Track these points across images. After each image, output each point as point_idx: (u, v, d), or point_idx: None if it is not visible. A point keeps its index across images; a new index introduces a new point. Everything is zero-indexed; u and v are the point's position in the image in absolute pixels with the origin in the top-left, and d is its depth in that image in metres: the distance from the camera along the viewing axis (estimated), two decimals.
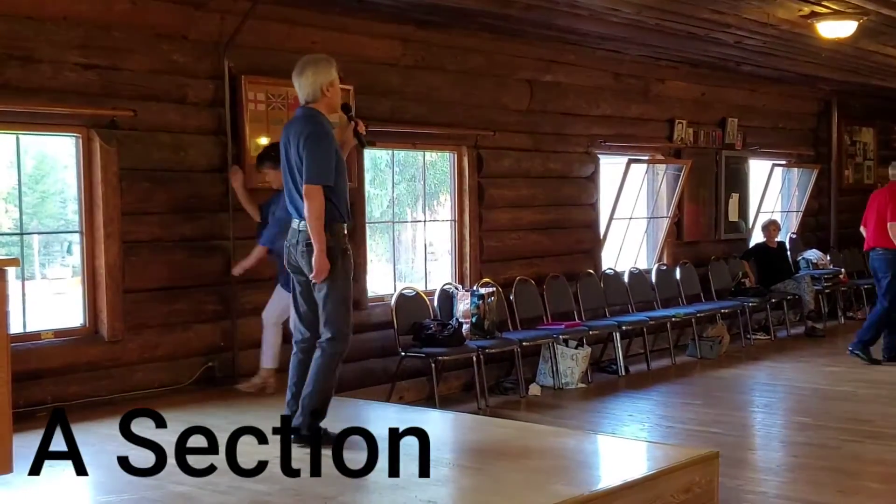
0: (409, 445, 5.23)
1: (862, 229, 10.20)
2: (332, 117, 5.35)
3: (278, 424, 5.68)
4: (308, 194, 5.06)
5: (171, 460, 4.98)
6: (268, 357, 6.75)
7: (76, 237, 6.46)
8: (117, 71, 6.35)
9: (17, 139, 6.19)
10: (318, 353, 5.26)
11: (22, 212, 6.32)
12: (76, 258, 6.58)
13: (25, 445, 5.08)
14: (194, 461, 4.63)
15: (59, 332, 6.27)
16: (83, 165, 6.32)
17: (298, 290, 5.37)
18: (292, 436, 5.16)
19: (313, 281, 5.18)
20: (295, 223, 5.28)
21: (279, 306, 6.66)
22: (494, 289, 8.41)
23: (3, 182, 6.15)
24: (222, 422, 5.84)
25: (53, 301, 7.37)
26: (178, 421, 5.86)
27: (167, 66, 6.60)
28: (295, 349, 5.43)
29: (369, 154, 7.99)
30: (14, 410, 4.37)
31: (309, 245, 5.13)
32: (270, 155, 6.26)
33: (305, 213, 5.10)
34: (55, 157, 5.92)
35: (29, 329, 6.15)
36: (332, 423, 5.40)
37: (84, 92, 6.20)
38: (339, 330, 5.23)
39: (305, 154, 5.09)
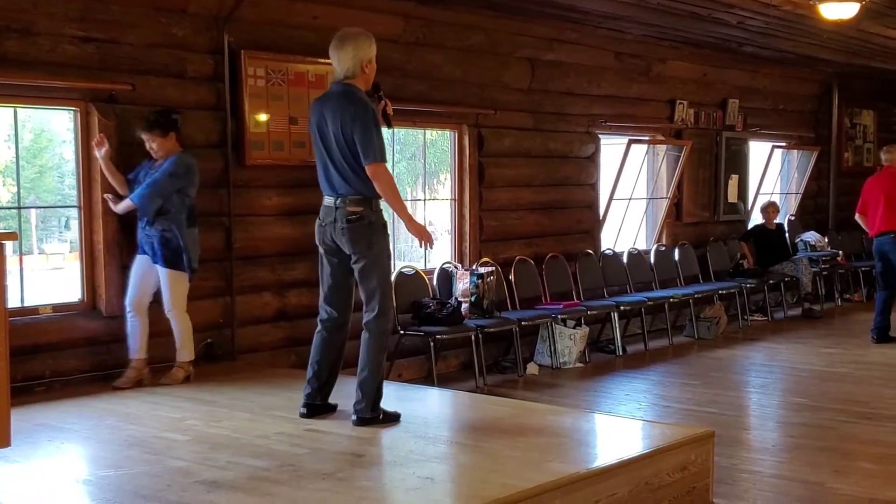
0: (408, 423, 5.26)
1: (858, 217, 10.13)
2: None
3: (276, 400, 5.73)
4: (377, 174, 4.98)
5: (170, 434, 5.02)
6: (136, 348, 6.28)
7: (74, 212, 6.44)
8: (116, 44, 6.31)
9: (15, 112, 6.17)
10: (365, 334, 5.18)
11: (20, 186, 6.31)
12: (74, 233, 6.57)
13: (23, 420, 5.10)
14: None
15: (57, 307, 6.27)
16: (81, 139, 6.30)
17: (329, 270, 5.27)
18: (356, 419, 5.15)
19: (357, 257, 5.09)
20: (329, 200, 5.16)
21: (146, 285, 6.29)
22: (493, 268, 8.41)
23: (1, 156, 6.14)
24: (221, 397, 5.87)
25: (51, 276, 7.37)
26: (176, 397, 5.90)
27: (166, 40, 6.57)
28: (319, 327, 5.35)
29: None
30: (12, 385, 4.36)
31: (350, 221, 5.05)
32: (160, 122, 6.15)
33: (380, 191, 5.01)
34: (53, 131, 5.89)
35: (27, 303, 6.15)
36: (334, 400, 5.43)
37: (82, 65, 6.17)
38: (385, 305, 5.15)
39: (360, 134, 4.97)
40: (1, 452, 4.33)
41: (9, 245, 4.80)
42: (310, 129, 5.25)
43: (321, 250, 5.29)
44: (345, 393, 5.43)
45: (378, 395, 5.19)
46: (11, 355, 4.35)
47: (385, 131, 5.24)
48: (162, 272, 6.21)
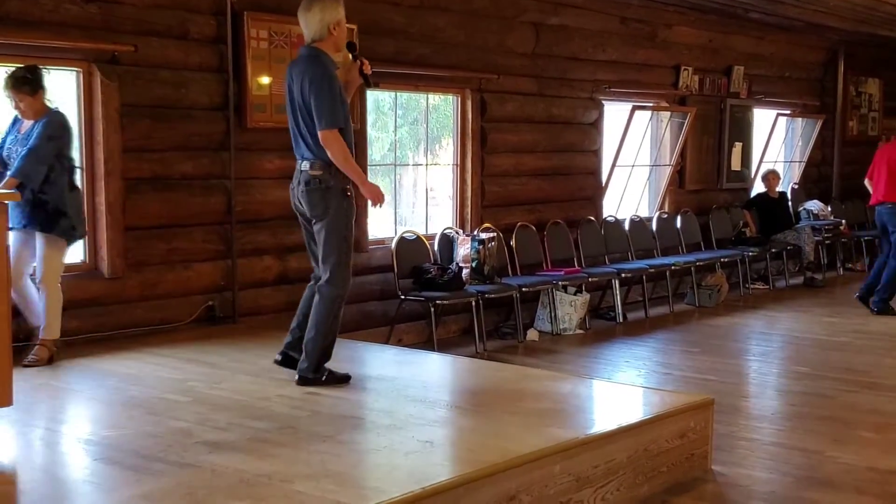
0: (408, 387, 5.28)
1: (867, 182, 10.14)
2: (337, 56, 5.27)
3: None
4: (326, 140, 5.00)
5: (172, 395, 5.04)
6: (46, 325, 5.79)
7: (76, 173, 6.42)
8: (119, 5, 6.27)
9: None
10: (316, 297, 5.22)
11: None
12: None
13: (25, 380, 5.13)
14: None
15: None
16: (84, 101, 6.28)
17: (305, 231, 5.34)
18: (298, 378, 5.21)
19: (314, 221, 5.16)
20: (297, 164, 5.21)
21: (21, 258, 5.73)
22: (495, 234, 8.41)
23: (3, 117, 6.10)
24: (222, 359, 5.89)
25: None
26: (178, 358, 5.92)
27: (169, 1, 6.52)
28: (311, 282, 5.40)
29: (371, 96, 7.93)
30: (14, 344, 4.38)
31: (308, 184, 5.09)
32: (29, 79, 5.63)
33: (332, 158, 5.02)
34: (55, 91, 5.85)
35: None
36: (335, 362, 5.44)
37: (85, 26, 6.13)
38: (336, 272, 5.16)
39: (313, 98, 5.00)
40: (2, 412, 4.36)
41: (11, 205, 4.81)
42: (285, 94, 5.26)
43: (297, 213, 5.34)
44: (341, 357, 5.44)
45: (323, 356, 5.23)
46: (14, 315, 4.38)
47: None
48: (38, 238, 5.70)
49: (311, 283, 5.40)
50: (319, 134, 5.01)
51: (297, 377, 5.24)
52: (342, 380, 5.29)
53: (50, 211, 5.65)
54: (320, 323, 5.19)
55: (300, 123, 5.13)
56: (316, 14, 5.12)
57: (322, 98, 4.99)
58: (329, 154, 5.03)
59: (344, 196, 5.14)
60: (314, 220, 5.17)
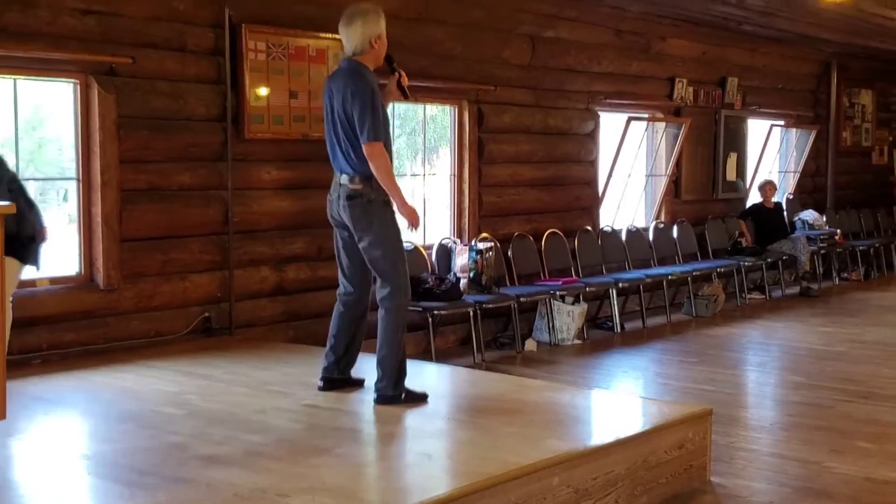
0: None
1: None
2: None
3: (273, 375, 5.74)
4: (371, 154, 4.94)
5: (167, 409, 5.02)
6: None
7: (73, 185, 6.42)
8: (117, 17, 6.27)
9: (15, 84, 6.13)
10: (381, 311, 5.10)
11: (18, 158, 6.27)
12: (72, 206, 6.54)
13: (20, 392, 5.11)
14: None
15: (54, 280, 6.25)
16: (81, 112, 6.27)
17: (341, 244, 5.25)
18: (377, 397, 5.08)
19: (359, 235, 5.07)
20: (336, 176, 5.14)
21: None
22: (492, 244, 8.41)
23: (0, 128, 6.10)
24: (218, 372, 5.87)
25: (49, 248, 7.33)
26: (174, 371, 5.90)
27: (167, 13, 6.53)
28: (338, 301, 5.32)
29: None
30: (8, 357, 4.36)
31: (350, 199, 5.02)
32: None
33: (374, 172, 4.96)
34: (53, 103, 5.85)
35: (24, 276, 6.12)
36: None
37: (83, 38, 6.13)
38: (397, 282, 5.08)
39: (357, 111, 4.95)
40: None
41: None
42: (323, 107, 5.22)
43: (333, 225, 5.26)
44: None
45: (401, 372, 5.10)
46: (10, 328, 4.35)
47: (400, 106, 5.17)
48: None
49: (338, 302, 5.32)
50: (364, 147, 4.95)
51: (375, 396, 5.09)
52: (421, 398, 5.15)
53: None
54: (391, 337, 5.07)
55: (340, 136, 5.07)
56: (358, 27, 5.07)
57: (366, 111, 4.94)
58: (372, 167, 4.97)
59: (387, 207, 5.08)
60: (359, 235, 5.09)
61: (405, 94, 5.36)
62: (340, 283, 5.33)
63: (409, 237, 8.31)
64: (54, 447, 4.52)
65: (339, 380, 5.34)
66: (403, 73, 5.31)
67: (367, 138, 4.95)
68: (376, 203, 5.05)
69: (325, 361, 5.36)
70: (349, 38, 5.10)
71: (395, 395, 5.07)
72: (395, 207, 5.12)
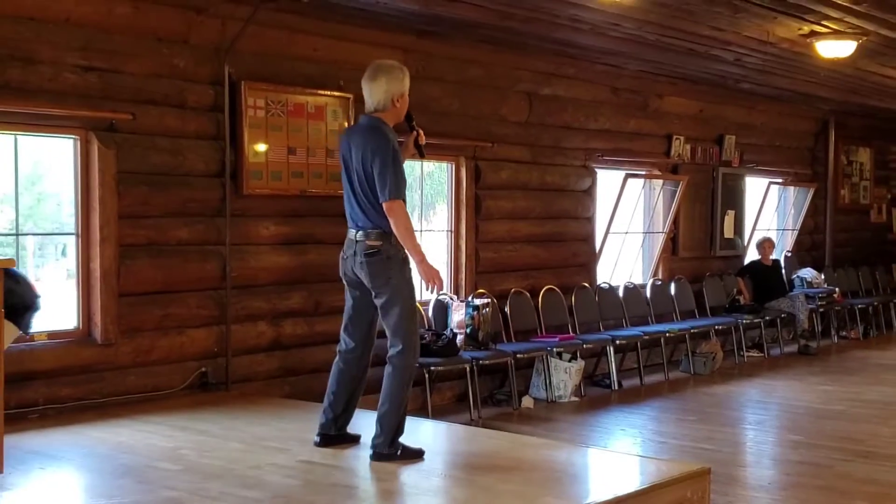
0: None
1: None
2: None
3: (270, 430, 5.71)
4: (392, 210, 4.90)
5: (163, 464, 4.99)
6: None
7: (71, 239, 6.44)
8: (117, 74, 6.35)
9: (16, 140, 6.18)
10: (388, 368, 5.06)
11: (18, 213, 6.31)
12: (70, 261, 6.56)
13: (16, 447, 5.08)
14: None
15: (52, 334, 6.25)
16: (81, 167, 6.31)
17: (350, 302, 5.21)
18: (372, 454, 5.03)
19: (377, 292, 5.02)
20: (352, 233, 5.09)
21: None
22: (489, 300, 8.41)
23: (0, 183, 6.14)
24: (215, 427, 5.84)
25: (47, 303, 7.35)
26: (170, 426, 5.87)
27: (167, 71, 6.60)
28: (338, 358, 5.27)
29: None
30: (5, 411, 4.35)
31: (368, 255, 4.99)
32: None
33: (394, 229, 4.93)
34: (52, 158, 5.90)
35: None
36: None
37: (84, 94, 6.19)
38: (409, 341, 5.03)
39: (377, 168, 4.91)
40: None
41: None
42: (340, 161, 5.19)
43: (345, 283, 5.21)
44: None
45: (398, 430, 5.06)
46: (6, 382, 4.35)
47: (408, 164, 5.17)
48: None
49: (338, 359, 5.27)
50: (385, 205, 4.91)
51: (371, 453, 5.04)
52: (417, 455, 5.10)
53: None
54: (394, 395, 5.02)
55: (358, 192, 5.02)
56: (382, 84, 5.05)
57: (387, 169, 4.90)
58: (392, 225, 4.93)
59: (405, 264, 5.04)
60: (376, 292, 5.03)
61: (421, 153, 5.33)
62: (342, 340, 5.27)
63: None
64: (51, 501, 4.48)
65: (335, 436, 5.31)
66: (421, 132, 5.29)
67: (388, 196, 4.90)
68: (395, 260, 5.01)
69: (323, 418, 5.31)
70: (372, 93, 5.08)
71: (391, 452, 5.03)
72: (409, 266, 5.08)
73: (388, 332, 5.08)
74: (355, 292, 5.18)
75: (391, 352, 5.06)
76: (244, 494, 4.48)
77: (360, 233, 5.03)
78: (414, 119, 5.29)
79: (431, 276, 5.04)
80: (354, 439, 5.35)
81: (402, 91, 5.11)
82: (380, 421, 5.05)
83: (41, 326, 6.18)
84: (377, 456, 5.03)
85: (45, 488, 4.70)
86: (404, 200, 4.99)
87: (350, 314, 5.24)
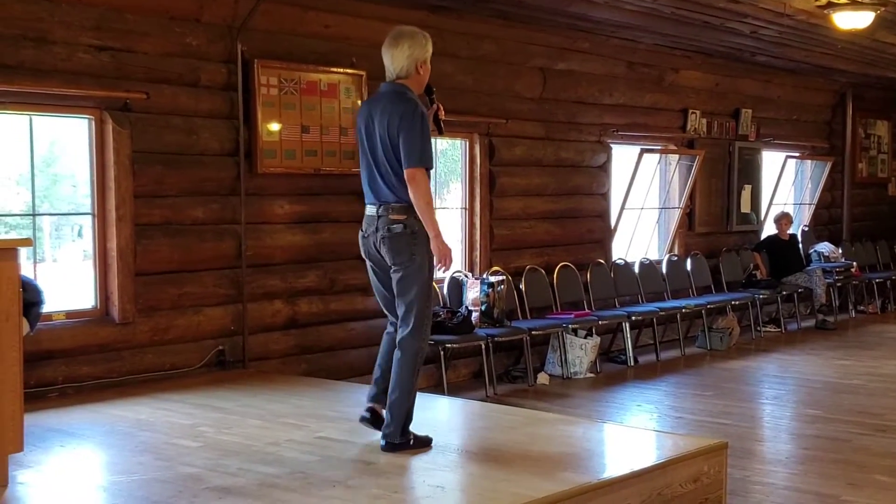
0: (419, 432, 5.24)
1: None
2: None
3: (287, 407, 5.73)
4: (414, 178, 4.63)
5: (182, 441, 5.03)
6: None
7: (87, 220, 6.47)
8: (131, 53, 6.35)
9: (31, 120, 6.20)
10: (397, 353, 4.83)
11: (34, 194, 6.33)
12: (86, 241, 6.59)
13: (36, 425, 5.12)
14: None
15: (70, 314, 6.29)
16: (96, 148, 6.33)
17: (377, 281, 4.96)
18: (384, 444, 4.85)
19: (397, 268, 4.78)
20: (371, 209, 4.84)
21: None
22: (504, 277, 8.41)
23: (16, 164, 6.16)
24: (232, 404, 5.88)
25: (65, 283, 7.39)
26: (188, 403, 5.91)
27: (180, 49, 6.60)
28: (390, 329, 5.01)
29: None
30: (25, 390, 4.38)
31: (391, 230, 4.73)
32: None
33: (413, 198, 4.65)
34: (67, 139, 5.91)
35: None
36: (345, 407, 5.41)
37: (97, 74, 6.20)
38: (420, 325, 4.79)
39: (405, 135, 4.64)
40: (14, 457, 4.35)
41: (23, 251, 4.83)
42: (356, 132, 4.95)
43: (367, 262, 4.97)
44: (352, 402, 5.41)
45: (408, 418, 4.84)
46: (25, 361, 4.38)
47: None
48: None
49: (389, 329, 5.02)
50: (407, 172, 4.65)
51: (382, 443, 4.84)
52: (426, 443, 4.93)
53: None
54: (405, 381, 4.78)
55: (380, 163, 4.77)
56: (405, 50, 4.78)
57: (414, 135, 4.64)
58: (412, 193, 4.65)
59: (428, 242, 4.76)
60: (395, 268, 4.79)
61: (440, 129, 5.09)
62: (386, 314, 5.04)
63: None
64: (71, 479, 4.52)
65: (381, 417, 4.98)
66: (441, 107, 5.08)
67: (414, 163, 4.64)
68: (420, 235, 4.74)
69: (374, 389, 5.00)
70: (394, 59, 4.81)
71: (403, 442, 4.85)
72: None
73: (399, 311, 4.84)
74: (379, 271, 4.92)
75: (401, 333, 4.82)
76: (262, 470, 4.51)
77: (382, 207, 4.77)
78: (435, 92, 5.06)
79: (444, 253, 4.76)
80: None
81: (425, 57, 4.86)
82: (390, 409, 4.85)
83: (60, 306, 6.24)
84: (389, 446, 4.85)
85: (66, 466, 4.74)
86: (429, 170, 4.73)
87: (382, 294, 4.97)
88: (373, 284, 5.04)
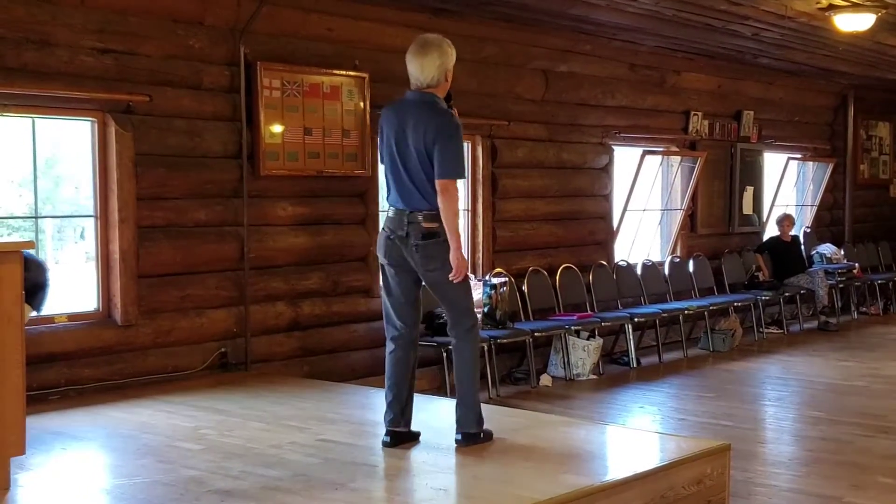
0: (422, 433, 5.25)
1: None
2: None
3: (289, 410, 5.73)
4: (447, 190, 4.71)
5: (184, 444, 5.02)
6: None
7: (90, 222, 6.47)
8: (133, 56, 6.35)
9: (33, 123, 6.20)
10: (460, 347, 4.92)
11: (37, 196, 6.33)
12: (89, 243, 6.60)
13: (38, 428, 5.12)
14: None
15: (72, 316, 6.29)
16: (98, 150, 6.34)
17: (397, 284, 4.93)
18: (461, 438, 4.89)
19: (433, 275, 4.81)
20: (397, 213, 4.84)
21: None
22: (507, 279, 8.41)
23: (18, 166, 6.17)
24: (235, 407, 5.87)
25: (67, 285, 7.40)
26: (190, 406, 5.91)
27: (183, 52, 6.60)
28: (393, 347, 4.98)
29: None
30: (27, 393, 4.38)
31: (425, 238, 4.77)
32: None
33: (442, 208, 4.72)
34: (70, 141, 5.92)
35: (43, 312, 6.15)
36: (347, 409, 5.39)
37: (100, 76, 6.21)
38: (474, 315, 4.97)
39: (441, 147, 4.71)
40: (16, 460, 4.35)
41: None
42: (380, 138, 4.93)
43: (386, 264, 4.93)
44: (355, 404, 5.41)
45: (481, 407, 4.98)
46: (27, 363, 4.38)
47: None
48: None
49: (393, 347, 5.00)
50: (441, 183, 4.72)
51: (458, 438, 4.89)
52: (491, 435, 5.03)
53: None
54: (472, 372, 4.92)
55: (413, 172, 4.79)
56: (435, 59, 4.80)
57: (452, 146, 4.74)
58: (443, 203, 4.72)
59: None
60: (432, 275, 4.84)
61: None
62: (392, 326, 4.99)
63: None
64: (73, 482, 4.52)
65: (405, 433, 5.00)
66: (456, 111, 5.04)
67: (448, 174, 4.72)
68: (447, 243, 4.80)
69: (390, 414, 4.97)
70: (424, 68, 4.82)
71: (478, 432, 4.92)
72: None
73: (450, 310, 4.93)
74: (400, 275, 4.91)
75: (459, 329, 4.90)
76: (265, 473, 4.51)
77: (412, 214, 4.79)
78: (452, 98, 5.07)
79: (462, 266, 4.82)
80: (416, 436, 5.07)
81: (450, 65, 4.90)
82: (463, 402, 4.90)
83: (61, 308, 6.24)
84: (468, 438, 4.89)
85: (67, 469, 4.74)
86: (460, 179, 4.85)
87: (400, 298, 4.95)
88: (389, 287, 5.00)
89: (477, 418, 4.95)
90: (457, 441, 4.92)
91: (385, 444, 4.96)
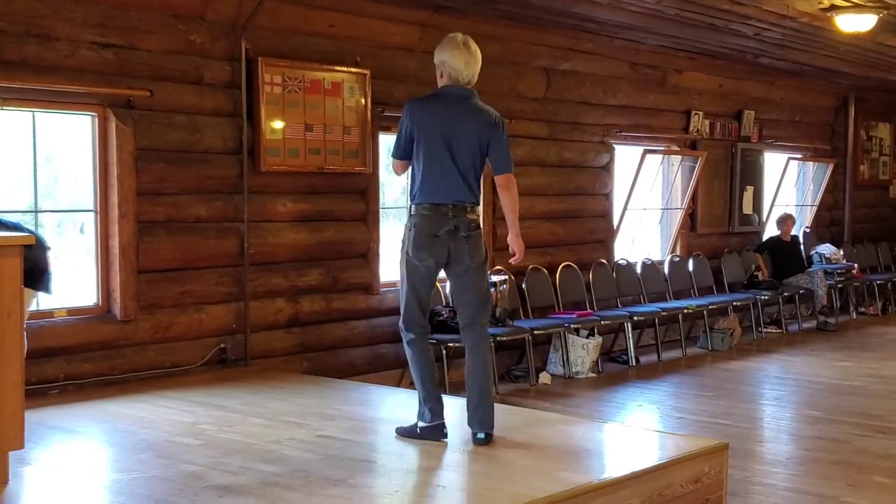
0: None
1: None
2: None
3: (288, 406, 5.73)
4: (508, 184, 4.95)
5: (183, 439, 5.03)
6: None
7: (90, 217, 6.47)
8: (134, 51, 6.35)
9: (34, 117, 6.20)
10: (482, 342, 4.96)
11: (36, 190, 6.33)
12: (89, 238, 6.60)
13: (37, 422, 5.12)
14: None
15: (72, 311, 6.30)
16: (99, 145, 6.34)
17: (428, 281, 4.95)
18: (483, 437, 4.90)
19: (474, 266, 4.89)
20: (447, 209, 4.83)
21: None
22: (507, 277, 8.41)
23: (19, 160, 6.16)
24: (234, 403, 5.88)
25: (66, 280, 7.40)
26: (189, 401, 5.91)
27: (184, 47, 6.60)
28: (421, 344, 4.98)
29: (383, 140, 7.98)
30: (26, 387, 4.38)
31: (472, 229, 4.87)
32: None
33: (507, 201, 4.97)
34: (70, 135, 5.92)
35: (42, 307, 6.17)
36: (346, 406, 5.39)
37: (101, 71, 6.21)
38: (488, 312, 5.13)
39: (498, 143, 4.91)
40: (15, 454, 4.35)
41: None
42: (423, 131, 4.87)
43: (426, 262, 4.87)
44: (354, 400, 5.40)
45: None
46: (26, 358, 4.38)
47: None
48: None
49: (421, 344, 4.98)
50: (503, 177, 4.93)
51: (482, 436, 4.91)
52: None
53: None
54: (491, 367, 5.06)
55: (464, 166, 4.85)
56: (479, 59, 4.97)
57: (505, 143, 4.97)
58: (508, 196, 4.97)
59: None
60: (472, 265, 4.90)
61: None
62: (418, 324, 4.96)
63: None
64: (72, 476, 4.52)
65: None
66: None
67: (510, 169, 4.96)
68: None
69: (439, 406, 4.98)
70: (472, 66, 4.95)
71: (492, 430, 4.97)
72: None
73: (474, 304, 4.95)
74: (434, 270, 4.94)
75: (476, 327, 4.96)
76: (264, 469, 4.51)
77: (457, 207, 4.84)
78: None
79: (522, 248, 5.12)
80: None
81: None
82: (486, 402, 4.94)
83: (61, 303, 6.24)
84: (489, 437, 4.94)
85: (66, 463, 4.75)
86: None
87: (426, 294, 4.98)
88: (422, 284, 4.96)
89: (492, 415, 5.00)
90: (479, 440, 4.93)
91: (445, 438, 4.95)
